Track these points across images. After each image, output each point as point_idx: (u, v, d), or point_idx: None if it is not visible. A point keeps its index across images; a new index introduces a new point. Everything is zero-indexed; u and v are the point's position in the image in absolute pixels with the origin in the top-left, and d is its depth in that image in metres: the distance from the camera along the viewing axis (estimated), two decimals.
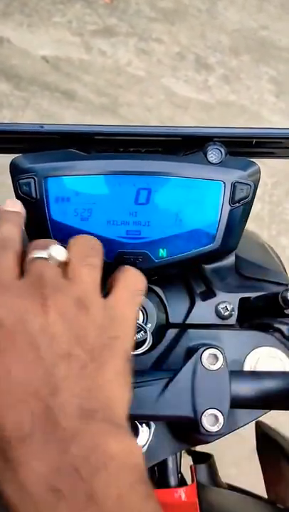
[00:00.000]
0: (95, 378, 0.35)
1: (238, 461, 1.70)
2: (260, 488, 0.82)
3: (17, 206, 0.51)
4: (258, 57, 2.56)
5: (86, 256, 0.43)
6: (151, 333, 0.57)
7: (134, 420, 0.52)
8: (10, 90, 2.23)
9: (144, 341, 0.54)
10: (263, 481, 0.86)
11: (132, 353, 0.49)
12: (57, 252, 0.42)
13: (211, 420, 0.47)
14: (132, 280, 0.45)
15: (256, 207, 2.09)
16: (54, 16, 2.45)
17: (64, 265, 0.42)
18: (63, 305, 0.37)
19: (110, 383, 0.36)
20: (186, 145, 0.62)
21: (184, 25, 2.58)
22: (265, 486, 0.86)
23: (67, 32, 2.42)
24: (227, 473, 1.61)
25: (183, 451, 0.89)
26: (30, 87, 2.26)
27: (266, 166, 2.17)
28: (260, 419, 0.92)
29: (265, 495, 0.83)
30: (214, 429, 0.47)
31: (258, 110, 2.42)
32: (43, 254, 0.42)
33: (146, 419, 0.52)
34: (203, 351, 0.48)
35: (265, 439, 0.88)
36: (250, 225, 2.09)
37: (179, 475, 0.66)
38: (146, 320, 0.58)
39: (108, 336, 0.38)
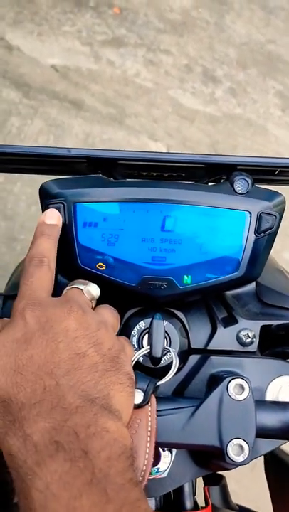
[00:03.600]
0: (102, 376, 0.43)
1: (239, 476, 1.70)
2: (260, 503, 0.82)
3: (54, 218, 0.56)
4: (264, 71, 2.58)
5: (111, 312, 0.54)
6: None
7: (160, 447, 0.52)
8: (19, 98, 2.24)
9: (170, 364, 0.55)
10: (262, 495, 0.86)
11: (164, 379, 0.51)
12: (92, 287, 0.52)
13: (236, 450, 0.47)
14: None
15: None
16: (64, 25, 2.46)
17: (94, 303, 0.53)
18: (86, 319, 0.46)
19: (113, 384, 0.43)
20: (209, 172, 0.63)
21: (192, 38, 2.60)
22: (273, 507, 0.86)
23: (77, 41, 2.43)
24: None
25: None
26: (39, 95, 2.27)
27: None
28: None
29: None
30: (240, 459, 0.47)
31: (264, 124, 2.43)
32: (81, 286, 0.52)
33: (172, 447, 0.53)
34: (230, 381, 0.49)
35: (274, 459, 0.88)
36: None
37: (194, 497, 0.66)
38: (169, 345, 0.59)
39: (117, 350, 0.47)
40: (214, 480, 0.75)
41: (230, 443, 0.47)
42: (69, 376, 0.41)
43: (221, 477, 0.77)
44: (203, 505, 0.66)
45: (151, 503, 0.62)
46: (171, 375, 0.53)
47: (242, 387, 0.49)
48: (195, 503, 0.67)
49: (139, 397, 0.48)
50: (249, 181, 0.57)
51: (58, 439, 0.35)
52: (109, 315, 0.52)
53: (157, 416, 0.48)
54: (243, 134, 2.39)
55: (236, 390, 0.49)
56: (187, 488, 0.64)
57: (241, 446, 0.47)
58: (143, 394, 0.48)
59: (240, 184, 0.57)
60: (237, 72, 2.56)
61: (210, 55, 2.57)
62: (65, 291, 0.52)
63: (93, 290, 0.52)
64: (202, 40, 2.60)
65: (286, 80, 2.56)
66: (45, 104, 2.25)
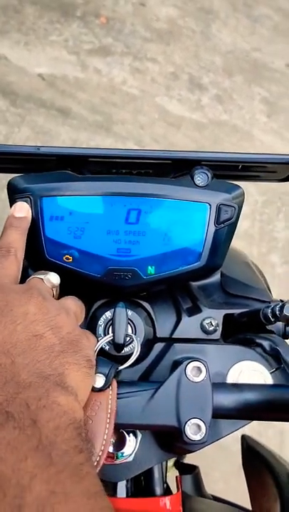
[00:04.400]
0: (58, 356, 0.45)
1: (225, 476, 1.71)
2: (247, 502, 0.84)
3: (23, 210, 0.59)
4: (250, 78, 2.62)
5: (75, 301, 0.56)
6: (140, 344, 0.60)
7: (121, 429, 0.54)
8: (6, 107, 2.27)
9: (132, 354, 0.56)
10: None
11: (124, 365, 0.53)
12: (51, 276, 0.55)
13: (193, 429, 0.49)
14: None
15: (246, 224, 2.13)
16: (51, 34, 2.50)
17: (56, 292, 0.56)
18: (46, 305, 0.48)
19: (68, 364, 0.45)
20: (175, 168, 0.65)
21: (178, 46, 2.64)
22: (250, 499, 0.88)
23: (64, 50, 2.47)
24: (214, 489, 1.63)
25: (170, 465, 0.91)
26: (26, 103, 2.30)
27: (256, 184, 2.21)
28: (247, 432, 0.95)
29: (250, 507, 0.84)
30: (197, 437, 0.49)
31: (250, 130, 2.47)
32: (41, 275, 0.54)
33: (132, 428, 0.54)
34: (188, 364, 0.51)
35: (250, 452, 0.90)
36: (241, 243, 2.12)
37: (165, 484, 0.68)
38: (134, 334, 0.61)
39: (77, 334, 0.49)
40: (188, 470, 0.77)
41: (188, 422, 0.49)
42: (24, 355, 0.43)
43: (195, 467, 0.78)
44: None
45: (122, 489, 0.64)
46: (133, 359, 0.55)
47: (199, 370, 0.51)
48: (167, 489, 0.69)
49: (100, 381, 0.50)
50: (209, 174, 0.59)
51: (9, 409, 0.37)
52: (72, 303, 0.54)
53: (119, 398, 0.50)
54: (230, 140, 2.42)
55: (194, 372, 0.51)
56: (157, 475, 0.65)
57: (198, 426, 0.49)
58: (104, 378, 0.50)
59: (200, 177, 0.59)
60: (223, 80, 2.59)
61: (196, 63, 2.60)
62: (26, 281, 0.54)
63: (53, 278, 0.55)
64: (188, 48, 2.64)
65: (271, 87, 2.60)
66: (32, 112, 2.28)
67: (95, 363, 0.49)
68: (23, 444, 0.35)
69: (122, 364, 0.54)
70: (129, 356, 0.58)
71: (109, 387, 0.50)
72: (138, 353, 0.56)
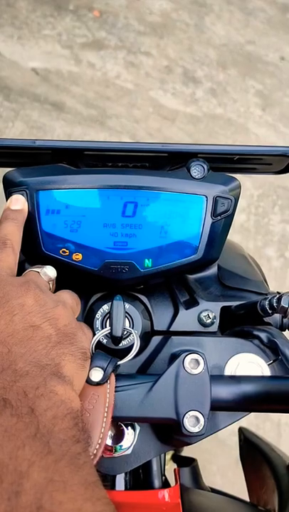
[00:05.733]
0: (54, 347, 0.45)
1: (224, 470, 1.72)
2: (245, 496, 0.84)
3: (19, 203, 0.58)
4: (244, 71, 2.61)
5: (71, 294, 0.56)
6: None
7: (120, 422, 0.54)
8: (0, 101, 2.26)
9: (132, 346, 0.56)
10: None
11: (125, 359, 0.53)
12: (48, 269, 0.55)
13: (192, 421, 0.49)
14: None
15: (242, 218, 2.13)
16: (44, 28, 2.48)
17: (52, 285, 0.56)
18: (43, 297, 0.49)
19: (64, 355, 0.46)
20: (172, 161, 0.65)
21: (172, 39, 2.63)
22: (248, 491, 0.88)
23: (57, 45, 2.46)
24: (212, 481, 1.64)
25: (168, 458, 0.91)
26: (20, 98, 2.29)
27: (252, 177, 2.21)
28: (244, 425, 0.95)
29: (247, 499, 0.85)
30: (195, 430, 0.49)
31: (245, 123, 2.46)
32: (37, 269, 0.55)
33: (130, 421, 0.54)
34: (186, 356, 0.51)
35: (248, 444, 0.90)
36: (236, 236, 2.12)
37: (163, 477, 0.68)
38: (132, 327, 0.61)
39: (74, 327, 0.49)
40: (186, 462, 0.77)
41: (187, 415, 0.49)
42: (21, 344, 0.44)
43: (193, 460, 0.78)
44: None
45: (120, 481, 0.64)
46: (132, 355, 0.55)
47: (197, 362, 0.51)
48: (165, 482, 0.69)
49: (98, 375, 0.50)
50: (205, 167, 0.59)
51: (7, 396, 0.38)
52: (68, 297, 0.54)
53: (117, 391, 0.50)
54: (224, 133, 2.41)
55: (192, 365, 0.51)
56: (155, 468, 0.66)
57: (197, 418, 0.49)
58: (103, 372, 0.50)
59: (197, 170, 0.59)
60: (217, 73, 2.59)
61: (190, 56, 2.60)
62: (23, 274, 0.54)
63: (49, 272, 0.55)
64: (182, 41, 2.64)
65: (266, 80, 2.60)
66: (26, 107, 2.27)
67: (89, 356, 0.50)
68: (20, 431, 0.36)
69: (120, 357, 0.54)
70: (126, 349, 0.58)
71: (107, 381, 0.50)
72: (138, 348, 0.55)
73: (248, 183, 2.25)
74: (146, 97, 2.43)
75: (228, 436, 1.72)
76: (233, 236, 2.04)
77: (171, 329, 0.62)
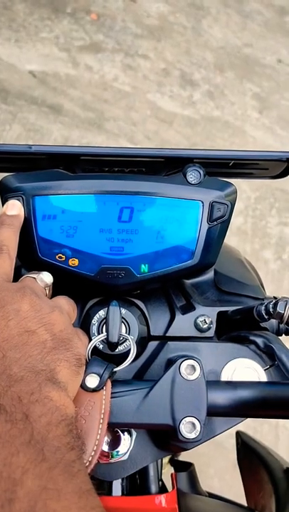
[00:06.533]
0: (49, 353, 0.45)
1: (221, 472, 1.72)
2: (243, 499, 0.84)
3: (16, 209, 0.58)
4: (242, 74, 2.62)
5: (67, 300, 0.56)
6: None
7: (116, 428, 0.54)
8: None
9: (129, 351, 0.56)
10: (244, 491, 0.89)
11: (122, 366, 0.52)
12: (44, 275, 0.55)
13: (188, 427, 0.49)
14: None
15: (239, 221, 2.13)
16: (42, 31, 2.49)
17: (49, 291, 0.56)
18: (39, 303, 0.49)
19: (59, 361, 0.45)
20: (168, 166, 0.65)
21: (170, 42, 2.63)
22: (245, 495, 0.88)
23: (55, 47, 2.46)
24: (210, 485, 1.63)
25: (165, 462, 0.91)
26: (18, 101, 2.29)
27: (249, 180, 2.21)
28: (241, 428, 0.95)
29: (245, 504, 0.85)
30: (192, 436, 0.49)
31: (242, 125, 2.47)
32: (33, 275, 0.55)
33: (127, 427, 0.54)
34: (182, 362, 0.51)
35: (245, 448, 0.90)
36: (234, 239, 2.12)
37: (160, 482, 0.68)
38: (128, 332, 0.61)
39: (70, 333, 0.49)
40: (183, 467, 0.77)
41: (183, 421, 0.49)
42: (17, 349, 0.43)
43: (190, 464, 0.78)
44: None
45: (117, 487, 0.64)
46: (129, 361, 0.55)
47: (193, 368, 0.51)
48: (162, 487, 0.69)
49: (94, 381, 0.50)
50: (201, 172, 0.59)
51: (1, 402, 0.38)
52: (64, 302, 0.54)
53: (113, 397, 0.50)
54: (222, 136, 2.42)
55: (188, 371, 0.51)
56: (152, 473, 0.65)
57: (193, 424, 0.49)
58: (99, 378, 0.50)
59: (193, 175, 0.59)
60: (214, 76, 2.59)
61: (187, 59, 2.60)
62: (19, 280, 0.54)
63: (46, 277, 0.55)
64: (179, 44, 2.64)
65: (263, 83, 2.60)
66: (23, 110, 2.27)
67: (85, 362, 0.49)
68: (14, 438, 0.35)
69: (116, 363, 0.54)
70: (123, 355, 0.58)
71: (103, 387, 0.50)
72: (134, 355, 0.55)
73: (245, 185, 2.25)
74: (144, 100, 2.43)
75: (225, 439, 1.71)
76: (231, 238, 2.04)
77: (167, 334, 0.62)
